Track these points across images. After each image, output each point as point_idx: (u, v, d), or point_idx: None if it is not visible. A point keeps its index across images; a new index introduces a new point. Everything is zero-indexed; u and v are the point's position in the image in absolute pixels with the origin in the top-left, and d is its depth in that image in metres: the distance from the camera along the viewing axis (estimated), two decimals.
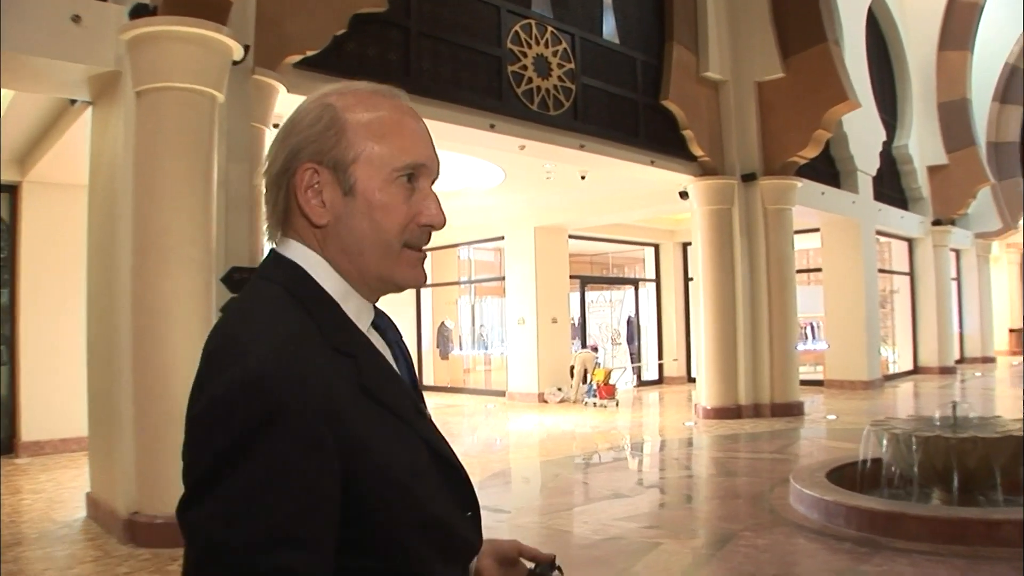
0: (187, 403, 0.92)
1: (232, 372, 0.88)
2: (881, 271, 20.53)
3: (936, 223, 17.83)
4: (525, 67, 9.04)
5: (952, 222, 19.52)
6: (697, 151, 11.12)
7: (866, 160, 14.89)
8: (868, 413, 11.58)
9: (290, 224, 1.04)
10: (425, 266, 1.09)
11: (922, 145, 17.75)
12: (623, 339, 17.02)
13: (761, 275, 11.47)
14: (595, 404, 13.41)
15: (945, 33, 17.62)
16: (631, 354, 17.07)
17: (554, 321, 14.64)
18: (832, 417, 11.35)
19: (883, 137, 15.61)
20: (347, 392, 0.93)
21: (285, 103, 7.01)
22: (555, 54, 9.40)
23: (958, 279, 20.94)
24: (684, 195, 11.70)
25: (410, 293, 17.95)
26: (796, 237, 16.08)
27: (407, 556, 0.96)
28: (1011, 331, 23.63)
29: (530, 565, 1.18)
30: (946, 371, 17.63)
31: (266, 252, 1.07)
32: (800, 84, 11.27)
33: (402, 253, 1.03)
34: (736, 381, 11.35)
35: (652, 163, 10.56)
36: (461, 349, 18.17)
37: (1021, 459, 5.74)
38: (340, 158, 1.01)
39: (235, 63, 6.10)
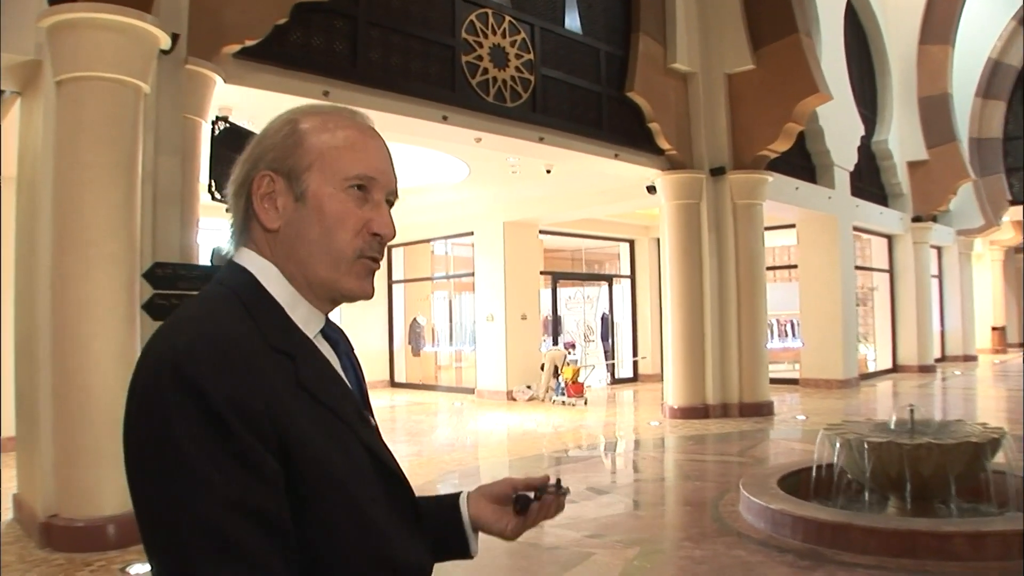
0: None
1: (157, 359, 0.92)
2: (860, 268, 20.38)
3: (916, 219, 17.63)
4: (481, 57, 8.80)
5: (933, 218, 19.38)
6: (664, 144, 10.89)
7: (843, 155, 14.67)
8: (839, 413, 11.40)
9: (248, 232, 1.07)
10: (375, 277, 1.10)
11: (902, 140, 17.55)
12: (596, 336, 16.80)
13: (730, 272, 11.26)
14: (563, 402, 13.20)
15: (926, 27, 17.41)
16: (605, 351, 16.87)
17: (523, 318, 14.42)
18: (802, 418, 11.16)
19: (861, 132, 15.40)
20: (283, 386, 0.94)
21: (224, 95, 6.79)
22: (513, 44, 9.16)
23: (940, 276, 20.76)
24: (652, 190, 11.47)
25: (381, 289, 17.76)
26: (772, 233, 16.01)
27: (339, 560, 0.96)
28: (994, 329, 23.47)
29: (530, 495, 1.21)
30: (926, 370, 17.46)
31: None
32: (770, 76, 11.04)
33: (355, 263, 1.05)
34: (704, 380, 11.15)
35: (616, 156, 10.32)
36: (435, 346, 17.94)
37: (979, 466, 5.54)
38: (295, 166, 1.04)
39: (164, 52, 5.89)
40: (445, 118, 8.40)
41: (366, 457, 1.03)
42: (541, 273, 15.24)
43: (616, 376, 16.76)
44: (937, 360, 20.24)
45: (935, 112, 17.52)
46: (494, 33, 8.95)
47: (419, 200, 14.64)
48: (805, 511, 5.38)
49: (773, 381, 15.58)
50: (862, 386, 14.85)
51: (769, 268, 17.22)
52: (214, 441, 0.86)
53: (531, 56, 9.34)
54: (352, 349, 1.19)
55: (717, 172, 11.24)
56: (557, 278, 15.94)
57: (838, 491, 5.95)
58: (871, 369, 17.78)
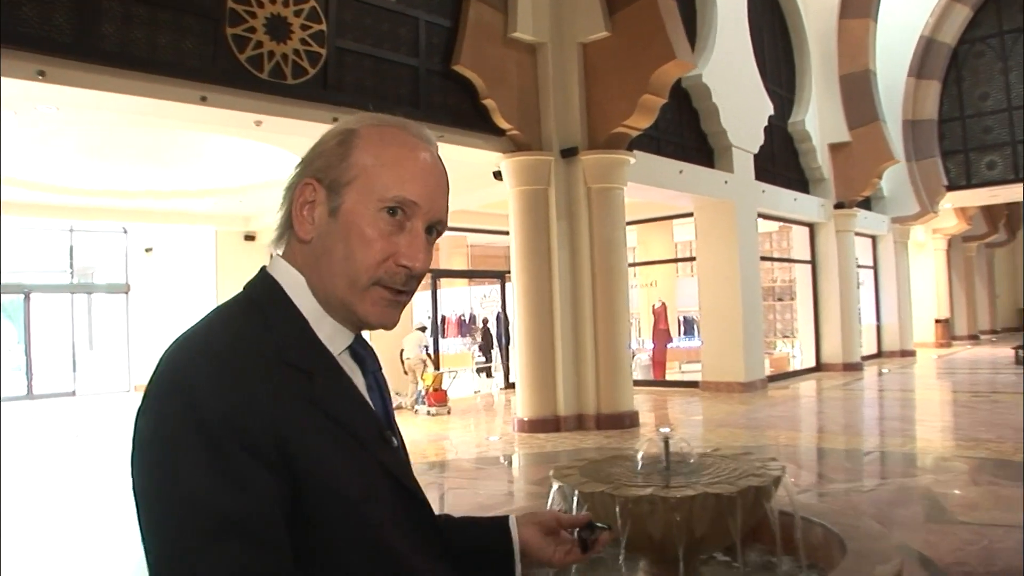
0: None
1: (166, 368, 0.93)
2: (777, 260, 19.22)
3: (839, 206, 16.34)
4: (253, 29, 7.47)
5: (866, 205, 18.16)
6: (503, 123, 9.56)
7: (744, 136, 13.37)
8: (717, 424, 10.12)
9: (285, 239, 1.06)
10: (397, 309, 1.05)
11: (822, 122, 16.27)
12: (479, 337, 15.50)
13: (584, 265, 9.94)
14: (428, 412, 11.88)
15: (846, 0, 16.12)
16: (502, 353, 15.55)
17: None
18: (665, 430, 9.80)
19: (769, 111, 14.09)
20: (292, 403, 0.92)
21: None
22: (298, 14, 7.82)
23: (875, 267, 19.54)
24: (498, 175, 10.15)
25: None
26: (680, 223, 14.75)
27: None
28: (937, 322, 22.21)
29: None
30: (851, 368, 16.19)
31: None
32: (626, 44, 9.72)
33: (370, 289, 1.01)
34: (555, 388, 9.82)
35: (440, 138, 8.98)
36: None
37: (732, 524, 4.21)
38: (338, 178, 1.01)
39: None
40: (204, 99, 7.18)
41: (383, 478, 0.99)
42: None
43: (510, 381, 15.41)
44: (873, 356, 19.06)
45: (857, 91, 16.24)
46: (272, 2, 7.64)
47: (265, 195, 13.50)
48: None
49: (675, 384, 14.42)
50: (770, 389, 13.54)
51: (670, 261, 16.06)
52: (204, 456, 0.86)
53: (323, 26, 8.04)
54: (379, 368, 1.14)
55: (568, 153, 9.92)
56: (437, 276, 14.58)
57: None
58: (794, 368, 16.50)
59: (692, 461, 4.58)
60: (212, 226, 16.43)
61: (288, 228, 1.05)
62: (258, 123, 8.01)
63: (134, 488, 0.90)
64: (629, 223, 15.40)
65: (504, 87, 9.61)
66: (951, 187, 18.87)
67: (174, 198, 14.57)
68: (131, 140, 10.64)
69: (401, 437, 1.12)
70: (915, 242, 22.06)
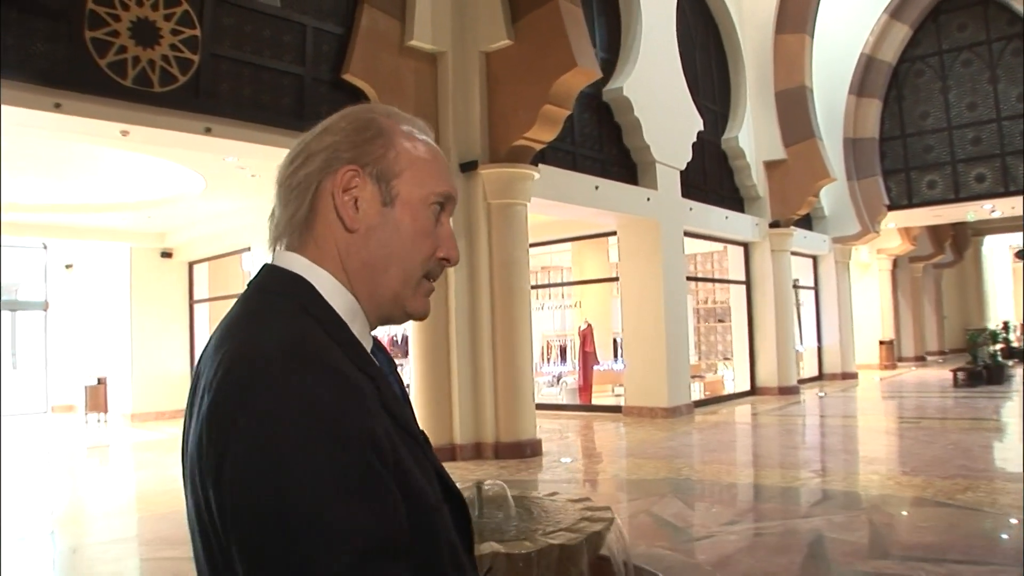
0: (200, 424, 0.86)
1: (282, 399, 0.82)
2: (708, 280, 18.86)
3: (775, 225, 15.96)
4: (116, 33, 6.96)
5: (807, 224, 17.84)
6: None
7: (670, 152, 12.95)
8: (624, 454, 9.61)
9: (310, 230, 0.99)
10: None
11: (758, 138, 15.93)
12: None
13: (483, 286, 9.40)
14: None
15: (782, 15, 15.83)
16: None
17: None
18: (567, 460, 9.31)
19: (699, 127, 13.69)
20: (380, 414, 0.89)
21: None
22: (168, 18, 7.31)
23: (816, 288, 19.21)
24: None
25: (182, 305, 15.82)
26: (614, 241, 14.22)
27: None
28: (882, 343, 21.91)
29: None
30: (787, 391, 15.75)
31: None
32: (528, 52, 9.26)
33: (420, 282, 1.02)
34: (451, 415, 9.25)
35: None
36: None
37: None
38: (387, 169, 0.99)
39: None
40: (58, 105, 6.66)
41: (437, 479, 0.98)
42: None
43: None
44: (814, 379, 18.69)
45: (793, 107, 15.92)
46: (139, 5, 7.13)
47: (168, 211, 12.92)
48: None
49: (599, 409, 13.89)
50: (696, 415, 13.05)
51: (594, 281, 15.59)
52: (356, 477, 0.81)
53: (196, 32, 7.52)
54: (394, 365, 1.09)
55: (467, 167, 9.40)
56: None
57: None
58: (728, 391, 16.04)
59: (499, 517, 4.05)
60: (127, 243, 15.74)
61: (307, 224, 0.98)
62: (124, 133, 7.50)
63: (249, 531, 0.80)
64: (563, 240, 15.18)
65: (399, 98, 9.08)
66: (892, 206, 18.58)
67: (82, 212, 13.92)
68: (30, 152, 10.13)
69: None
70: (859, 263, 21.81)
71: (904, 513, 6.07)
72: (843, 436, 10.89)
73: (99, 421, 15.55)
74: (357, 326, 0.97)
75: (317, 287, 0.96)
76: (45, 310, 18.74)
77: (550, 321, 20.70)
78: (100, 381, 15.94)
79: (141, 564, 5.65)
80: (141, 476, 9.74)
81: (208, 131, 7.68)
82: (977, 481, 6.96)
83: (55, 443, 12.98)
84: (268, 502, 0.79)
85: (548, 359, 20.32)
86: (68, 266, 18.48)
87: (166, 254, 16.03)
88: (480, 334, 9.37)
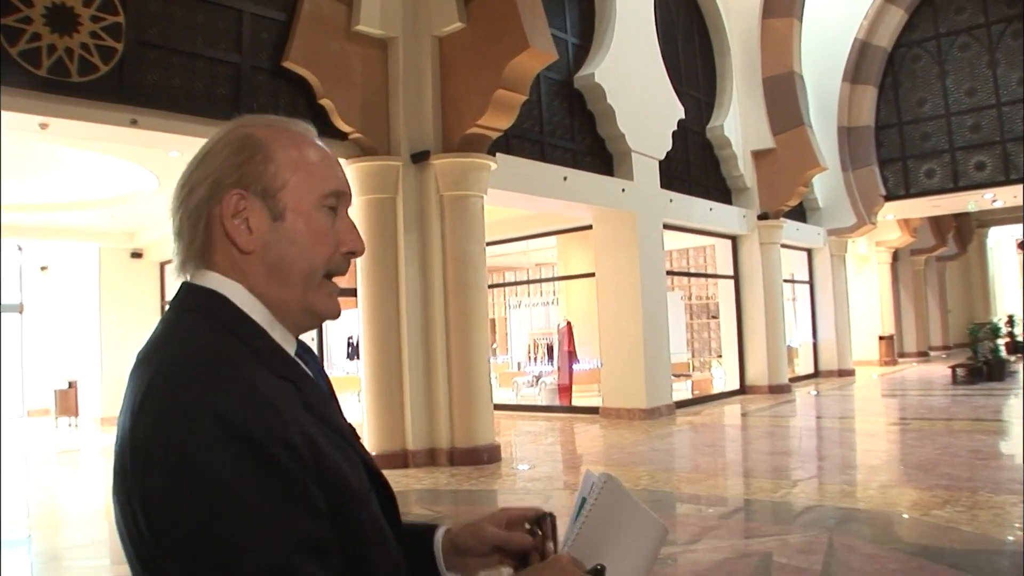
0: (121, 447, 0.90)
1: (188, 411, 0.85)
2: (691, 275, 18.31)
3: (763, 217, 15.37)
4: (29, 19, 6.50)
5: (801, 216, 17.25)
6: (343, 126, 8.54)
7: (647, 141, 12.38)
8: (590, 460, 9.09)
9: (209, 256, 1.02)
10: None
11: (745, 127, 15.33)
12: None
13: (435, 282, 8.88)
14: None
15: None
16: None
17: None
18: (524, 467, 8.77)
19: (679, 115, 13.12)
20: (299, 413, 0.92)
21: None
22: (88, 4, 6.83)
23: (811, 282, 18.58)
24: None
25: (154, 306, 15.37)
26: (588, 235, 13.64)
27: (371, 567, 0.96)
28: (881, 339, 21.25)
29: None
30: (777, 390, 15.15)
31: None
32: (481, 35, 8.72)
33: (322, 283, 1.03)
34: (403, 420, 8.74)
35: None
36: None
37: None
38: (269, 184, 1.00)
39: None
40: None
41: (365, 470, 1.02)
42: None
43: None
44: (810, 376, 18.08)
45: (781, 94, 15.31)
46: None
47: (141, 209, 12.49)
48: None
49: (577, 410, 13.35)
50: (678, 415, 12.49)
51: (572, 277, 15.00)
52: (272, 484, 0.84)
53: (119, 18, 7.04)
54: (321, 366, 1.13)
55: (419, 158, 8.88)
56: None
57: None
58: (718, 391, 15.47)
59: None
60: (96, 243, 15.31)
61: (205, 248, 1.01)
62: (44, 126, 7.05)
63: (171, 540, 0.84)
64: (549, 233, 14.58)
65: (345, 86, 8.58)
66: (889, 197, 17.92)
67: (47, 211, 13.52)
68: None
69: None
70: (857, 256, 21.18)
71: (868, 533, 5.50)
72: (825, 440, 10.32)
73: (70, 425, 15.14)
74: (277, 333, 1.01)
75: (232, 300, 0.98)
76: (20, 312, 18.35)
77: (537, 319, 20.15)
78: (71, 385, 15.54)
79: (113, 568, 5.29)
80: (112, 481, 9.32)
81: (134, 123, 7.24)
82: (958, 493, 6.37)
83: (27, 448, 12.64)
84: (194, 524, 0.82)
85: (535, 358, 19.78)
86: (43, 268, 18.09)
87: (136, 254, 15.58)
88: (433, 334, 8.85)
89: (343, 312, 1.12)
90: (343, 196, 1.05)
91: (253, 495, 0.82)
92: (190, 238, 1.01)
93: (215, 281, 1.00)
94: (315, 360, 1.11)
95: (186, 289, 1.01)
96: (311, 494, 0.86)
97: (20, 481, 9.46)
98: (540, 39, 8.52)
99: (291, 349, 1.03)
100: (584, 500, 1.09)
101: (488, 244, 14.82)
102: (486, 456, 8.82)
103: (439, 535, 1.16)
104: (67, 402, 15.31)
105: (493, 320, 24.93)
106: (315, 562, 0.84)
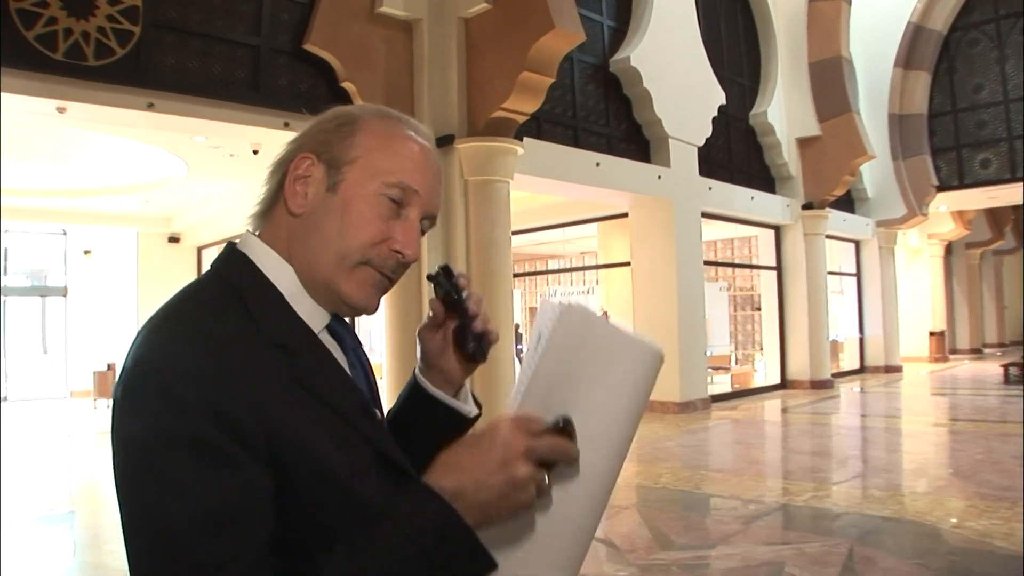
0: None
1: (141, 364, 0.88)
2: (730, 265, 17.87)
3: (807, 207, 14.87)
4: (45, 4, 6.47)
5: (849, 207, 16.70)
6: None
7: (685, 127, 12.01)
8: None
9: (270, 214, 1.03)
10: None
11: (789, 113, 14.82)
12: None
13: (459, 268, 8.66)
14: None
15: None
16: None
17: None
18: None
19: (720, 100, 12.71)
20: (275, 384, 0.89)
21: None
22: None
23: (858, 275, 17.98)
24: None
25: None
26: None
27: None
28: (932, 334, 20.52)
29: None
30: (819, 385, 14.67)
31: None
32: (507, 16, 8.46)
33: (357, 268, 0.99)
34: None
35: (287, 126, 7.79)
36: None
37: None
38: (339, 156, 1.00)
39: None
40: None
41: (370, 453, 0.95)
42: None
43: None
44: (855, 372, 17.52)
45: (828, 79, 14.77)
46: None
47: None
48: None
49: None
50: (714, 410, 12.15)
51: (607, 266, 14.67)
52: (192, 447, 0.83)
53: (137, 1, 6.98)
54: (359, 345, 1.11)
55: (443, 142, 8.67)
56: None
57: None
58: (758, 385, 15.05)
59: None
60: (134, 228, 15.46)
61: (273, 203, 1.02)
62: (61, 110, 7.07)
63: (117, 483, 0.87)
64: (585, 221, 14.27)
65: (368, 68, 8.40)
66: (942, 187, 17.23)
67: (83, 196, 13.67)
68: (22, 137, 9.88)
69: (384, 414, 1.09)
70: (908, 248, 20.47)
71: (892, 545, 5.16)
72: (862, 439, 9.90)
73: (108, 407, 15.31)
74: (305, 306, 0.99)
75: (262, 267, 0.98)
76: (64, 296, 18.65)
77: None
78: (109, 367, 15.70)
79: None
80: None
81: (151, 107, 7.21)
82: (997, 504, 5.96)
83: (70, 428, 12.83)
84: (120, 475, 0.86)
85: None
86: (87, 252, 18.35)
87: (173, 239, 15.70)
88: None
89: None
90: (414, 195, 1.00)
91: (171, 460, 0.82)
92: (266, 190, 1.03)
93: (253, 247, 1.00)
94: (353, 338, 1.08)
95: (226, 251, 1.02)
96: (238, 465, 0.83)
97: (63, 460, 9.67)
98: (566, 19, 8.23)
99: (320, 323, 1.00)
100: (540, 336, 0.92)
101: (526, 231, 14.87)
102: None
103: (417, 373, 1.19)
104: (105, 384, 15.47)
105: (534, 310, 24.80)
106: (227, 533, 0.82)
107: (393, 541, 0.85)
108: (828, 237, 15.47)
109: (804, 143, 14.92)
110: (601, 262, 15.85)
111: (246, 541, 0.83)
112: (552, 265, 21.72)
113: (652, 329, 11.87)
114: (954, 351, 22.11)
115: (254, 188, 1.08)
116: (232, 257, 1.00)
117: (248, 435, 0.84)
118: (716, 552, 4.96)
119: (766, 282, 15.53)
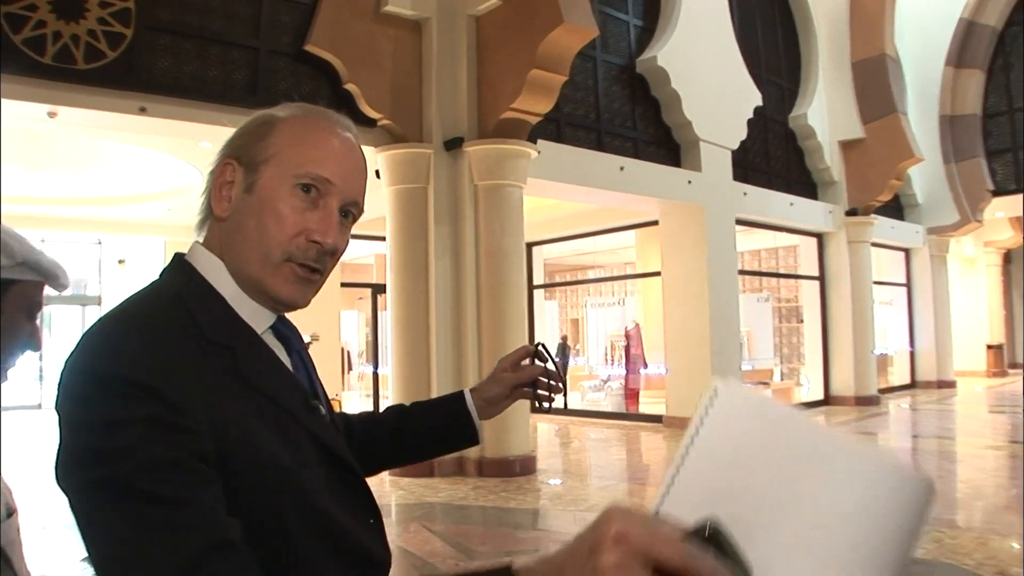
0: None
1: (84, 350, 0.88)
2: (768, 274, 17.18)
3: (851, 213, 14.14)
4: (34, 7, 6.29)
5: (898, 214, 15.91)
6: (371, 112, 8.01)
7: (718, 129, 11.45)
8: (631, 476, 8.30)
9: (208, 223, 1.06)
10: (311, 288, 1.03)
11: (832, 115, 14.14)
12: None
13: (468, 278, 8.25)
14: None
15: None
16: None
17: (314, 339, 11.59)
18: (555, 482, 8.03)
19: (756, 102, 12.13)
20: (218, 378, 0.91)
21: None
22: None
23: (908, 285, 17.12)
24: (379, 174, 8.55)
25: None
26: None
27: (289, 548, 0.91)
28: (988, 348, 19.49)
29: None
30: (864, 402, 13.89)
31: None
32: (516, 12, 8.05)
33: (281, 265, 1.00)
34: None
35: None
36: None
37: None
38: (255, 157, 1.01)
39: None
40: None
41: (312, 446, 0.98)
42: (342, 285, 12.43)
43: None
44: (906, 387, 16.66)
45: (872, 79, 14.05)
46: None
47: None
48: None
49: (641, 417, 12.52)
50: None
51: (635, 276, 14.13)
52: (134, 405, 0.83)
53: (129, 4, 6.76)
54: (305, 347, 1.14)
55: (452, 144, 8.27)
56: (377, 291, 12.87)
57: None
58: (800, 401, 14.33)
59: None
60: (162, 237, 15.42)
61: (209, 212, 1.05)
62: (52, 114, 6.87)
63: (65, 469, 0.85)
64: (625, 228, 13.73)
65: (372, 70, 8.05)
66: (998, 192, 16.31)
67: (118, 205, 13.72)
68: (46, 145, 9.84)
69: (331, 408, 1.12)
70: (963, 257, 19.50)
71: None
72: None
73: None
74: (246, 308, 1.00)
75: (205, 275, 1.00)
76: (99, 304, 18.73)
77: (613, 320, 19.31)
78: None
79: None
80: None
81: (143, 111, 6.96)
82: None
83: None
84: (62, 443, 0.85)
85: (612, 360, 18.96)
86: (120, 261, 18.43)
87: None
88: (464, 333, 8.23)
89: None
90: (328, 185, 1.00)
91: (124, 432, 0.81)
92: (202, 203, 1.05)
93: (196, 254, 1.02)
94: (298, 339, 1.10)
95: (172, 263, 1.04)
96: (185, 427, 0.83)
97: None
98: (577, 12, 7.76)
99: (263, 323, 1.02)
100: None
101: (559, 240, 14.41)
102: (518, 467, 8.13)
103: (468, 397, 1.35)
104: None
105: (576, 320, 24.28)
106: (176, 476, 0.81)
107: None
108: (875, 245, 14.72)
109: (847, 146, 14.21)
110: (639, 270, 15.29)
111: (205, 487, 0.82)
112: (591, 275, 21.26)
113: (683, 341, 11.32)
114: (1013, 365, 20.97)
115: None
116: (178, 267, 1.02)
117: (190, 410, 0.84)
118: None
119: (808, 293, 14.82)
